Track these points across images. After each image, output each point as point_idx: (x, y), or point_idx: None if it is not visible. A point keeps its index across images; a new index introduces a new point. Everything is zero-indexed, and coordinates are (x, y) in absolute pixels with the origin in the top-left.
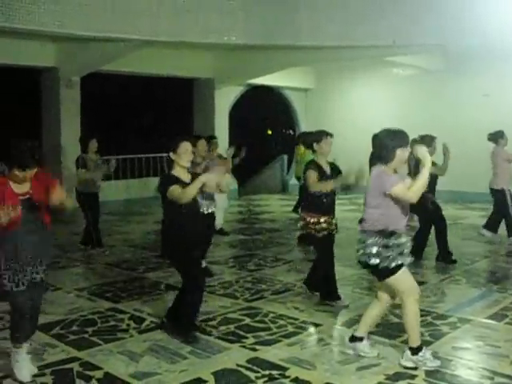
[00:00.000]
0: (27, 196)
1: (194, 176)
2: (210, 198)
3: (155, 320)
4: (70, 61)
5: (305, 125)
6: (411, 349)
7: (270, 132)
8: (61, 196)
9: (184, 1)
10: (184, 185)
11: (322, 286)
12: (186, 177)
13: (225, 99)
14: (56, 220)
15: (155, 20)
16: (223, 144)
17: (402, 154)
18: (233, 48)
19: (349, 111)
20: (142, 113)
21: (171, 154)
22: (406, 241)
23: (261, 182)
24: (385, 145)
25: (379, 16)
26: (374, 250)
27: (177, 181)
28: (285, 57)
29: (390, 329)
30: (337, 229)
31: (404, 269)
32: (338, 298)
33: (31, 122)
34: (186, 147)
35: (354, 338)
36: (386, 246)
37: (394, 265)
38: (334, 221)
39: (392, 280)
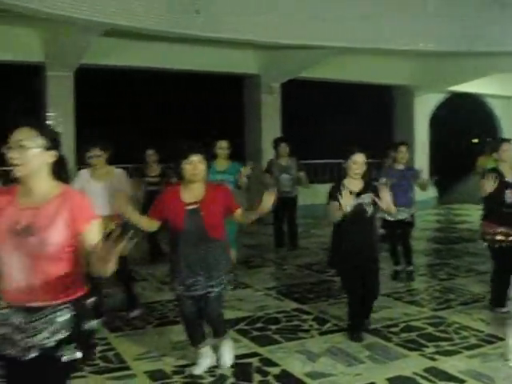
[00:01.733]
0: (195, 206)
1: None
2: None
3: (338, 323)
4: (270, 68)
5: (508, 133)
6: None
7: (476, 140)
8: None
9: (379, 8)
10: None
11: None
12: (356, 186)
13: (425, 106)
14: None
15: (352, 27)
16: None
17: None
18: (431, 54)
19: None
20: (339, 119)
21: (344, 163)
22: None
23: (464, 191)
24: None
25: None
26: None
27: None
28: (487, 63)
29: None
30: None
31: None
32: (501, 305)
33: (235, 126)
34: (355, 159)
35: None
36: None
37: None
38: None
39: None
